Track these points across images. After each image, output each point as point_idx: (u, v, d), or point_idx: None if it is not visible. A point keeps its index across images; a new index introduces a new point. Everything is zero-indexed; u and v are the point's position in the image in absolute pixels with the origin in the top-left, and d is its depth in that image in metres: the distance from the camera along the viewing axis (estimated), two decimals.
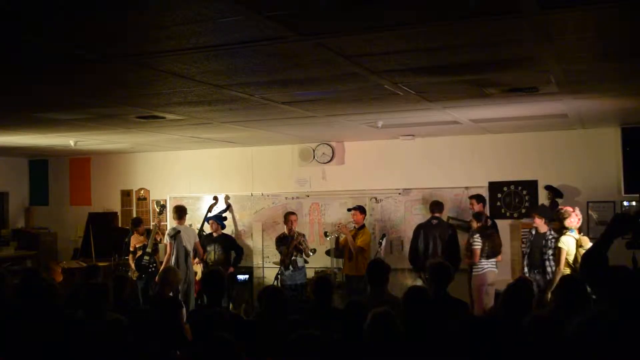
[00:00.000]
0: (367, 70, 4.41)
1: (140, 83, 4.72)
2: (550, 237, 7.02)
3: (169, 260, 8.15)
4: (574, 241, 6.71)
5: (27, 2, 2.83)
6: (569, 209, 6.85)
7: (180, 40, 3.45)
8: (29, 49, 3.64)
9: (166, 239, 8.31)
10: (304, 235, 8.32)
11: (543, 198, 8.53)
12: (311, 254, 8.24)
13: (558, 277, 6.50)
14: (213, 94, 5.16)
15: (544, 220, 7.18)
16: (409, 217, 9.15)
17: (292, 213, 8.46)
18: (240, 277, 9.53)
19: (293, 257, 8.04)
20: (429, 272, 5.00)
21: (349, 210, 8.40)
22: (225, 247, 8.90)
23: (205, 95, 5.19)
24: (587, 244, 6.91)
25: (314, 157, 9.53)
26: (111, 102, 5.57)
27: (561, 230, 6.79)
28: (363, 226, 8.22)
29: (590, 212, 8.31)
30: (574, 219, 6.75)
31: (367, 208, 8.66)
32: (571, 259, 6.65)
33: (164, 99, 5.37)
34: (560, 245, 6.66)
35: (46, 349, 4.05)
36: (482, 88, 5.22)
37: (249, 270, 9.78)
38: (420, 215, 9.06)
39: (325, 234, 8.65)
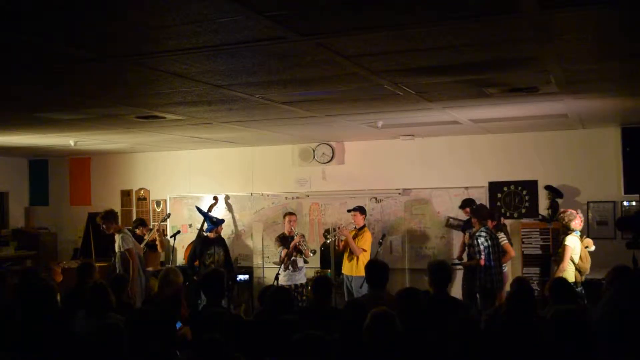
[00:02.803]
0: (367, 70, 4.41)
1: (140, 83, 4.72)
2: (477, 234, 6.93)
3: (136, 268, 7.72)
4: (579, 241, 6.80)
5: (27, 2, 2.83)
6: (573, 211, 6.97)
7: (180, 40, 3.45)
8: (29, 49, 3.64)
9: (124, 245, 7.83)
10: (303, 236, 8.30)
11: (543, 198, 8.54)
12: (312, 254, 8.23)
13: (560, 273, 6.58)
14: (213, 94, 5.16)
15: (477, 220, 7.07)
16: (409, 217, 9.15)
17: (292, 213, 8.44)
18: (240, 277, 9.53)
19: (293, 258, 8.04)
20: (430, 272, 4.99)
21: (348, 211, 8.40)
22: (225, 248, 8.73)
23: (205, 95, 5.19)
24: (592, 245, 7.00)
25: (314, 157, 9.53)
26: (111, 102, 5.57)
27: (566, 231, 6.93)
28: (363, 227, 8.22)
29: (590, 212, 8.33)
30: (578, 221, 6.91)
31: (367, 208, 8.64)
32: (576, 257, 6.76)
33: (164, 99, 5.37)
34: (566, 243, 6.76)
35: (46, 350, 4.05)
36: (482, 88, 5.23)
37: (249, 270, 9.78)
38: (420, 215, 9.08)
39: (326, 237, 8.64)
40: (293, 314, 4.51)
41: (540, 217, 8.42)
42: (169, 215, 9.90)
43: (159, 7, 2.93)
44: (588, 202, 8.37)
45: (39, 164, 11.64)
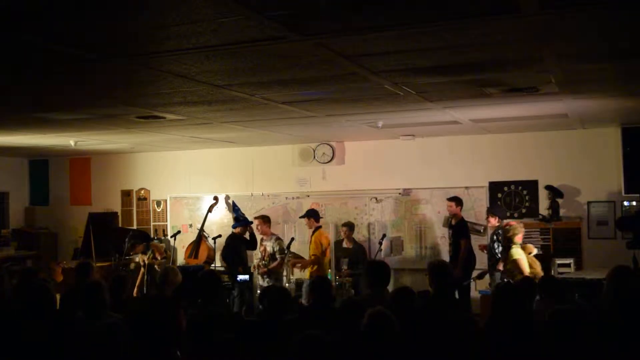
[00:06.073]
0: (367, 70, 4.42)
1: (140, 83, 4.73)
2: (498, 232, 7.34)
3: None
4: (523, 252, 6.68)
5: (27, 2, 2.83)
6: (518, 225, 6.84)
7: (180, 40, 3.45)
8: (29, 49, 3.64)
9: None
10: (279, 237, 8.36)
11: (543, 198, 8.54)
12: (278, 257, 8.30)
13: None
14: (213, 94, 5.17)
15: (497, 218, 7.49)
16: (409, 217, 9.15)
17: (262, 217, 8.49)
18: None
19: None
20: (430, 272, 4.98)
21: (300, 217, 8.51)
22: None
23: (205, 95, 5.19)
24: (534, 249, 6.94)
25: (314, 157, 9.53)
26: (111, 102, 5.58)
27: (509, 244, 6.71)
28: (317, 228, 8.28)
29: (590, 212, 8.33)
30: (521, 235, 6.76)
31: (367, 208, 8.64)
32: (527, 267, 6.54)
33: (164, 99, 5.37)
34: (516, 256, 6.56)
35: (44, 350, 4.04)
36: (482, 88, 5.23)
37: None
38: (420, 215, 9.08)
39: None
40: (293, 313, 4.52)
41: (540, 217, 8.43)
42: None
43: (159, 7, 2.93)
44: (588, 202, 8.37)
45: (39, 164, 11.63)
